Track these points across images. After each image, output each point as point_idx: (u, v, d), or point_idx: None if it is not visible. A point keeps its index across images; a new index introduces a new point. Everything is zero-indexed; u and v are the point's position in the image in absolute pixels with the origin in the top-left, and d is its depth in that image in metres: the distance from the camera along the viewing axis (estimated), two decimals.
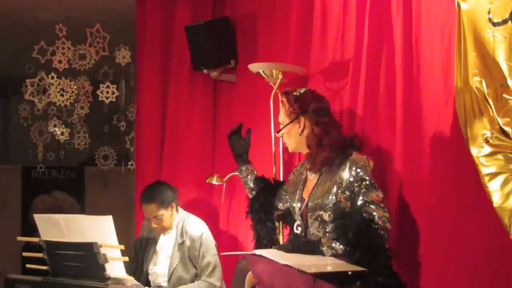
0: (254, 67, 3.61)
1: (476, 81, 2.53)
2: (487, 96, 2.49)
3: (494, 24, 2.47)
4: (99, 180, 7.20)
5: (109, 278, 3.25)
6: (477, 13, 2.54)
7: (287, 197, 3.05)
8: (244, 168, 3.25)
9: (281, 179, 3.59)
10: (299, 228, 2.87)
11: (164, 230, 3.89)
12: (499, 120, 2.46)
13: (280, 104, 2.98)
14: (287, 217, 3.05)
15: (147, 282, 3.89)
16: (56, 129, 5.38)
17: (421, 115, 2.88)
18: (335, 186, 2.73)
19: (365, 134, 3.14)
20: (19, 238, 4.04)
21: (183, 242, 3.83)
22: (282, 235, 3.44)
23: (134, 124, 5.01)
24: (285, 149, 3.37)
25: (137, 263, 3.97)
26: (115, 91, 5.13)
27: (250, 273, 2.94)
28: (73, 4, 5.36)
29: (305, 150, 2.90)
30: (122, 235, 3.42)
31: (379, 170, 3.02)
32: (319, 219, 2.75)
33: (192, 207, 4.18)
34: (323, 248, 2.70)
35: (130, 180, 5.51)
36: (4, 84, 7.19)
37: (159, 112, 4.69)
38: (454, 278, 2.69)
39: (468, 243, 2.64)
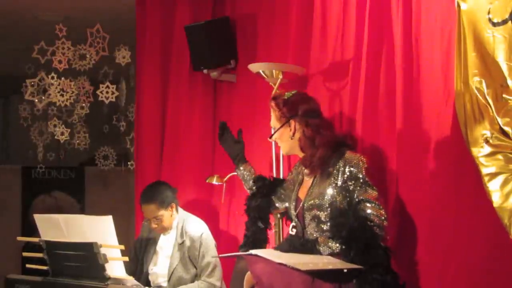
0: (254, 67, 3.61)
1: (476, 81, 2.53)
2: (487, 96, 2.49)
3: (494, 24, 2.47)
4: (99, 180, 7.20)
5: (109, 278, 3.26)
6: (477, 13, 2.54)
7: (282, 206, 3.07)
8: (242, 168, 3.25)
9: (281, 177, 3.59)
10: (294, 230, 2.88)
11: (164, 230, 3.89)
12: (499, 120, 2.46)
13: (271, 110, 2.98)
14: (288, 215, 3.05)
15: (147, 282, 3.89)
16: (56, 129, 5.38)
17: (421, 115, 2.88)
18: (331, 186, 2.73)
19: (365, 134, 3.14)
20: (19, 238, 4.04)
21: (183, 242, 3.83)
22: (282, 233, 3.44)
23: (134, 124, 5.02)
24: (280, 149, 3.37)
25: (137, 263, 3.97)
26: (115, 91, 5.14)
27: (248, 273, 2.94)
28: (73, 4, 5.37)
29: (300, 154, 2.90)
30: (122, 235, 3.43)
31: (379, 170, 3.02)
32: (316, 219, 2.75)
33: (192, 207, 4.18)
34: (320, 247, 2.70)
35: (130, 180, 5.52)
36: (4, 84, 7.19)
37: (159, 112, 4.70)
38: (454, 278, 2.68)
39: (468, 243, 2.64)
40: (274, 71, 3.53)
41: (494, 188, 2.45)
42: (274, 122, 2.95)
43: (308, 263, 2.53)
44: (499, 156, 2.46)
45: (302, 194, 2.87)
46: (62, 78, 5.17)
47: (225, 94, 4.51)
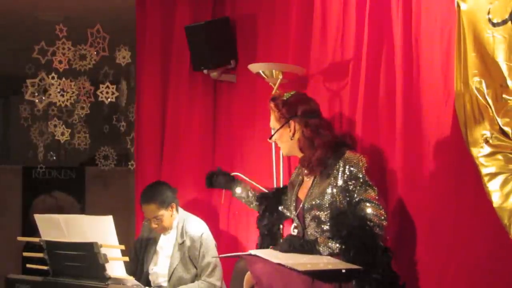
0: (254, 67, 3.61)
1: (476, 81, 2.53)
2: (486, 97, 2.49)
3: (494, 25, 2.47)
4: (99, 180, 7.20)
5: (110, 278, 3.26)
6: (477, 13, 2.54)
7: (287, 199, 3.06)
8: (240, 191, 3.30)
9: (281, 178, 3.60)
10: (296, 230, 2.88)
11: (164, 230, 3.89)
12: (499, 120, 2.46)
13: (270, 111, 2.98)
14: None
15: (147, 282, 3.89)
16: (57, 129, 5.38)
17: (421, 115, 2.88)
18: (330, 186, 2.74)
19: (365, 134, 3.14)
20: (20, 238, 4.05)
21: (183, 242, 3.83)
22: (282, 233, 3.44)
23: (134, 124, 5.02)
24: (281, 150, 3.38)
25: (137, 263, 3.98)
26: (115, 91, 5.14)
27: (248, 273, 2.94)
28: (73, 4, 5.37)
29: (299, 154, 2.90)
30: (122, 235, 3.43)
31: (379, 170, 3.02)
32: (316, 220, 2.75)
33: (192, 207, 4.18)
34: (320, 248, 2.70)
35: (130, 180, 5.52)
36: (5, 84, 7.20)
37: (159, 112, 4.70)
38: (454, 278, 2.69)
39: (468, 243, 2.64)
40: (274, 71, 3.53)
41: (494, 188, 2.45)
42: (273, 123, 2.95)
43: (307, 263, 2.53)
44: (499, 156, 2.46)
45: (302, 194, 2.87)
46: (63, 78, 5.17)
47: (225, 94, 4.52)
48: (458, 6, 2.61)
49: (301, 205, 2.84)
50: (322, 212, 2.73)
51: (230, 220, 4.31)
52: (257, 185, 3.47)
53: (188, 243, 3.82)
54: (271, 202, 3.16)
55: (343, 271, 2.51)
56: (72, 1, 5.32)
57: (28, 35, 5.67)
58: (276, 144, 3.57)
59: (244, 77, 4.21)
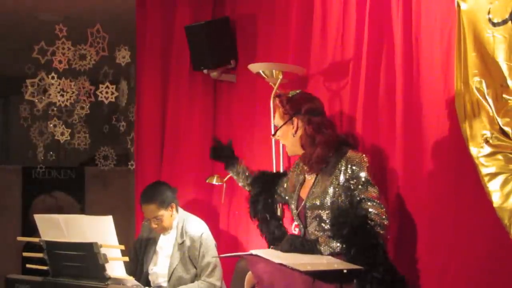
0: (254, 67, 3.61)
1: (476, 81, 2.53)
2: (487, 96, 2.49)
3: (494, 24, 2.47)
4: (99, 180, 7.20)
5: (109, 278, 3.26)
6: (477, 13, 2.54)
7: (286, 196, 3.06)
8: (235, 169, 3.28)
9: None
10: (296, 229, 2.88)
11: (164, 230, 3.89)
12: (499, 120, 2.46)
13: (275, 108, 2.98)
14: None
15: (147, 282, 3.89)
16: (56, 129, 5.38)
17: (421, 115, 2.88)
18: (332, 185, 2.74)
19: (365, 133, 3.14)
20: (19, 238, 4.04)
21: (183, 242, 3.83)
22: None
23: (134, 124, 5.02)
24: (285, 149, 3.37)
25: (137, 263, 3.98)
26: (115, 91, 5.14)
27: (249, 273, 2.94)
28: (73, 4, 5.37)
29: (301, 152, 2.90)
30: (122, 235, 3.43)
31: (379, 169, 3.02)
32: (318, 219, 2.75)
33: (192, 207, 4.18)
34: (321, 247, 2.70)
35: (130, 180, 5.51)
36: (4, 84, 7.19)
37: (159, 112, 4.70)
38: (454, 278, 2.69)
39: (468, 243, 2.64)
40: (274, 71, 3.53)
41: (494, 188, 2.45)
42: (277, 120, 2.95)
43: (308, 263, 2.53)
44: (499, 156, 2.46)
45: (303, 193, 2.87)
46: (62, 78, 5.17)
47: (225, 94, 4.52)
48: (458, 5, 2.61)
49: (302, 204, 2.84)
50: (323, 211, 2.73)
51: (230, 220, 4.31)
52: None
53: (188, 243, 3.82)
54: (268, 181, 3.15)
55: (345, 271, 2.50)
56: (72, 1, 5.32)
57: (28, 35, 5.67)
58: (276, 144, 3.58)
59: (244, 77, 4.21)
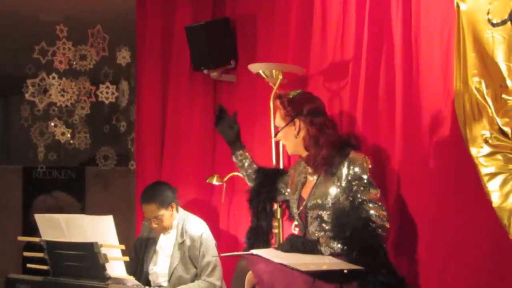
0: (254, 67, 3.62)
1: (475, 81, 2.54)
2: (486, 97, 2.50)
3: (493, 25, 2.48)
4: (99, 180, 7.20)
5: (110, 278, 3.26)
6: (476, 13, 2.54)
7: (286, 193, 3.06)
8: (238, 154, 3.24)
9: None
10: (297, 229, 2.88)
11: (164, 230, 3.89)
12: (498, 120, 2.46)
13: (276, 109, 2.98)
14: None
15: (147, 282, 3.90)
16: (57, 129, 5.39)
17: (420, 115, 2.88)
18: (334, 186, 2.74)
19: (365, 134, 3.14)
20: (20, 238, 4.04)
21: (183, 242, 3.84)
22: (283, 233, 3.44)
23: (135, 124, 5.02)
24: (285, 148, 3.37)
25: (137, 263, 3.98)
26: (115, 91, 5.14)
27: (250, 272, 2.95)
28: (74, 4, 5.37)
29: (303, 153, 2.90)
30: (123, 235, 3.43)
31: (379, 170, 3.02)
32: (319, 219, 2.76)
33: (192, 207, 4.18)
34: (322, 248, 2.70)
35: (130, 180, 5.52)
36: (5, 84, 7.20)
37: (159, 113, 4.70)
38: (454, 278, 2.69)
39: (468, 243, 2.64)
40: (274, 71, 3.53)
41: (494, 188, 2.45)
42: (278, 121, 2.94)
43: (309, 263, 2.53)
44: (499, 156, 2.47)
45: (305, 193, 2.87)
46: (63, 78, 5.18)
47: (225, 94, 4.52)
48: (458, 6, 2.61)
49: (303, 204, 2.84)
50: (324, 212, 2.73)
51: (230, 220, 4.31)
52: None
53: (188, 242, 3.83)
54: (269, 175, 3.14)
55: (345, 271, 2.51)
56: (72, 1, 5.33)
57: (28, 35, 5.67)
58: (276, 144, 3.58)
59: (244, 77, 4.21)
